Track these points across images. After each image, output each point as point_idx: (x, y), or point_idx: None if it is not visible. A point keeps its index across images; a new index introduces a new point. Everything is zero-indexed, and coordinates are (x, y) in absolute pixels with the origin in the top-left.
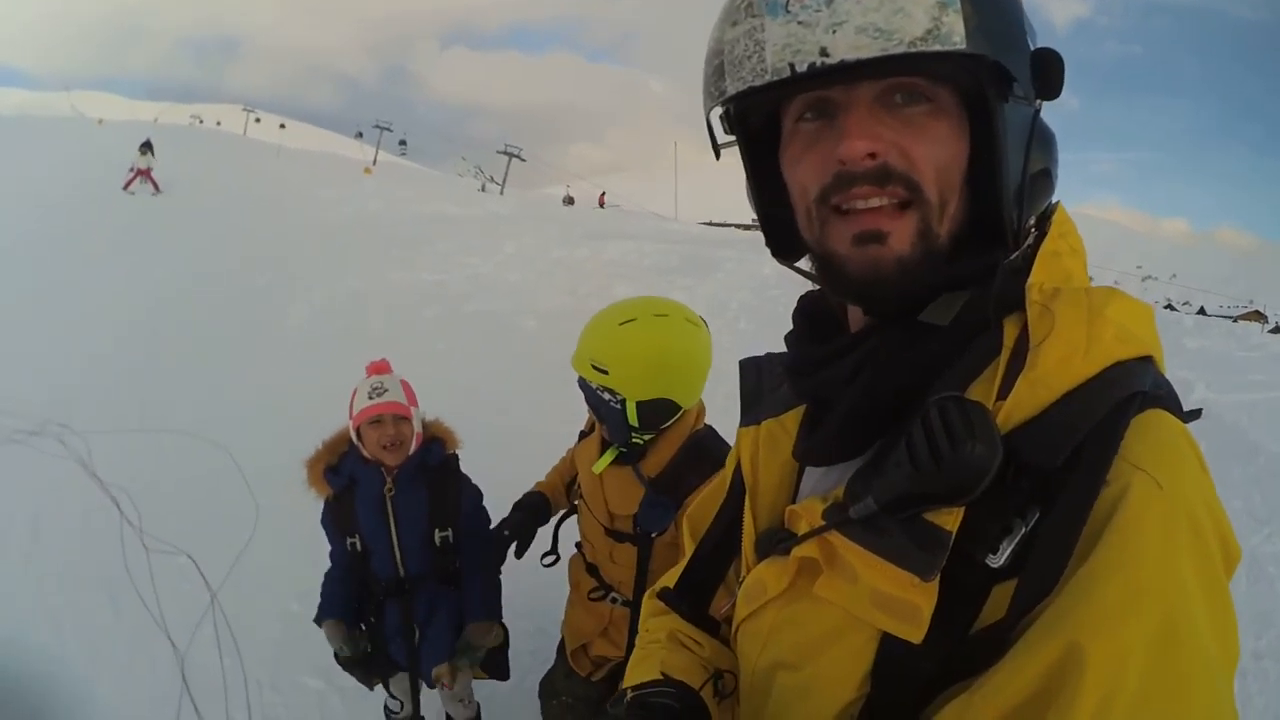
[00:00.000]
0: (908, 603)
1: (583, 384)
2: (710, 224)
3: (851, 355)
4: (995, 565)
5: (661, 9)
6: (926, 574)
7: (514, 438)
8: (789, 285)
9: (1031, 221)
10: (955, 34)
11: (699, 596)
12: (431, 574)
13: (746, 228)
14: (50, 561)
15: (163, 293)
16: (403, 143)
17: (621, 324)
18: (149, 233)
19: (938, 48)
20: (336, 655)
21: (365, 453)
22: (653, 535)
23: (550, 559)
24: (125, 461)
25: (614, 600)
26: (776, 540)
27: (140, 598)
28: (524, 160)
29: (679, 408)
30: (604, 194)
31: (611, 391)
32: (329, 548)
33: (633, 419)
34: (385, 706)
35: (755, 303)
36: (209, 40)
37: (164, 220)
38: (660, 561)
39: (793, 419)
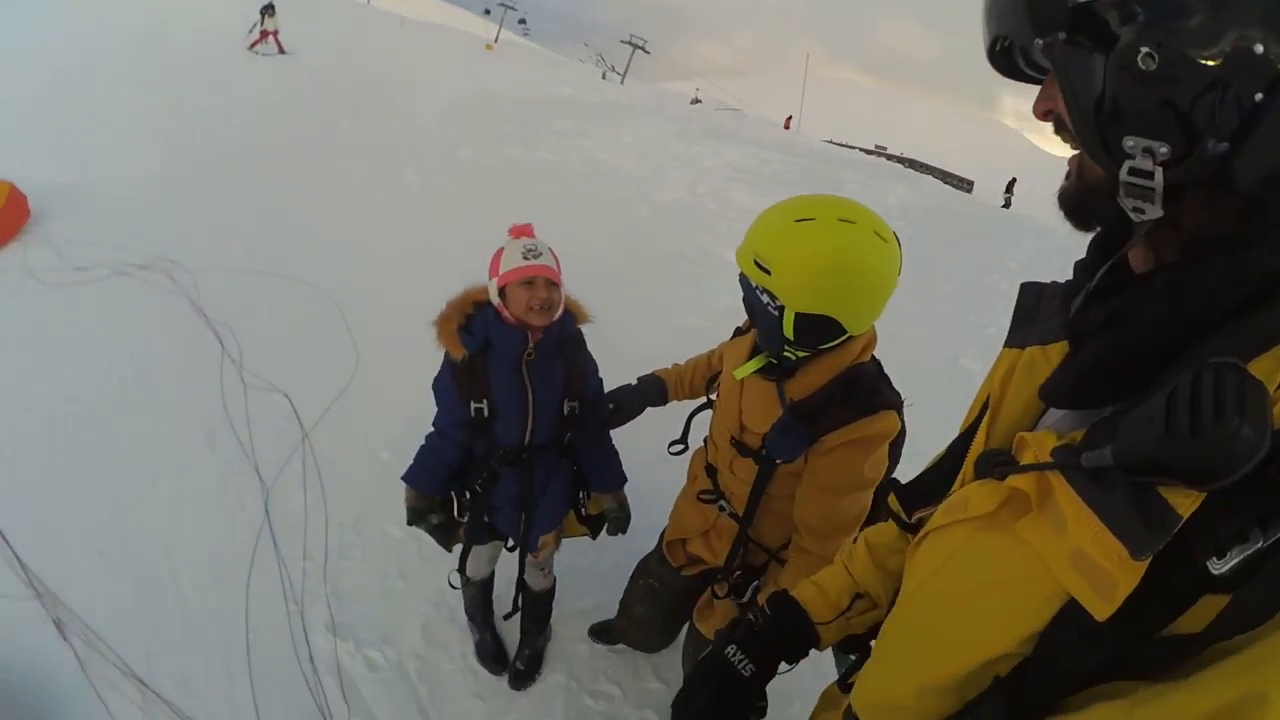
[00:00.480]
0: (1107, 574)
1: (743, 280)
2: (834, 143)
3: (1114, 298)
4: (1216, 572)
5: None
6: (1138, 551)
7: (616, 326)
8: (913, 216)
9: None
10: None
11: (918, 499)
12: (553, 444)
13: (869, 152)
14: (148, 393)
15: (281, 149)
16: (522, 21)
17: (798, 221)
18: (272, 91)
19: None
20: (408, 520)
21: (508, 315)
22: (778, 462)
23: (678, 448)
24: (231, 301)
25: (722, 509)
26: (996, 462)
27: (234, 431)
28: (647, 53)
29: (843, 331)
30: (791, 117)
31: (771, 295)
32: (431, 410)
33: (788, 331)
34: (459, 571)
35: None
36: None
37: (287, 80)
38: (780, 486)
39: (1058, 351)
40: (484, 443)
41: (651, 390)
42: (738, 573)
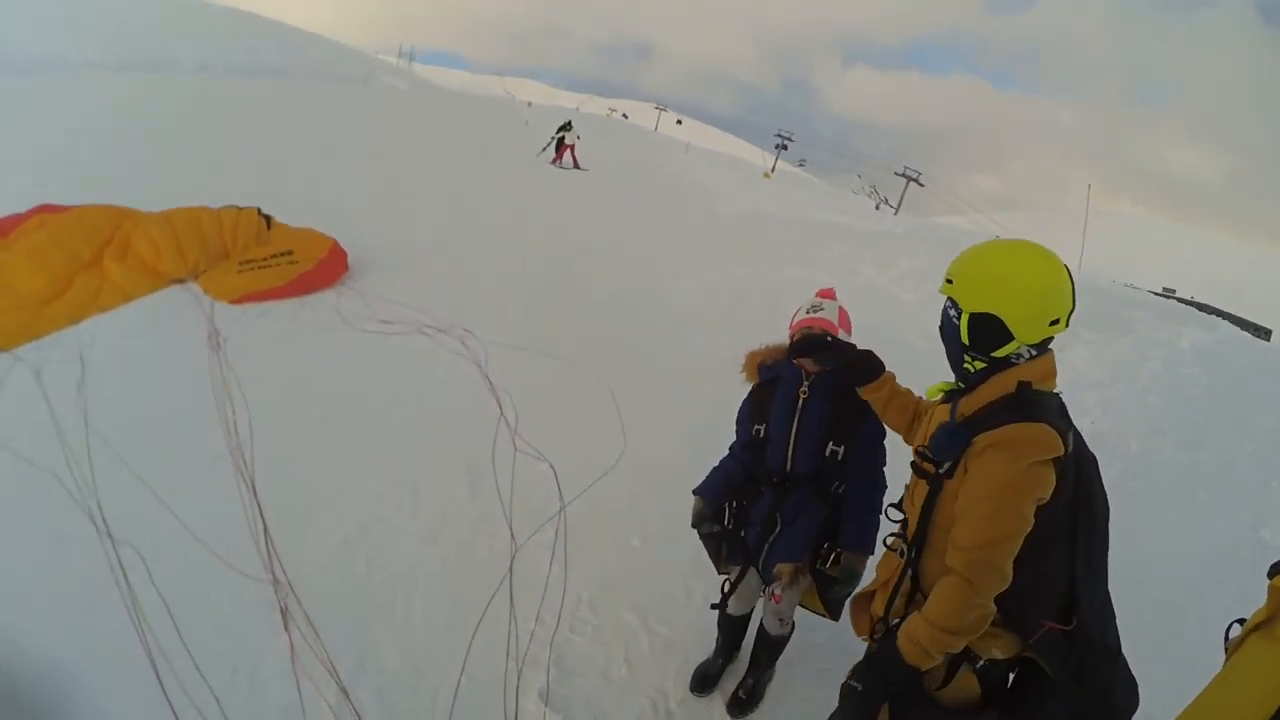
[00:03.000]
0: None
1: (942, 313)
2: (1131, 286)
3: None
4: None
5: (1065, 22)
6: None
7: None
8: (1210, 363)
9: None
10: None
11: None
12: (811, 480)
13: (1158, 294)
14: (426, 436)
15: (574, 250)
16: (783, 147)
17: (979, 244)
18: (568, 200)
19: None
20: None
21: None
22: (940, 471)
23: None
24: (513, 373)
25: (902, 554)
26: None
27: (497, 488)
28: (922, 185)
29: (1010, 335)
30: None
31: (953, 304)
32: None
33: (964, 335)
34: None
35: (1168, 378)
36: (623, 43)
37: (583, 192)
38: (944, 514)
39: None
40: (758, 463)
41: (873, 360)
42: (896, 622)
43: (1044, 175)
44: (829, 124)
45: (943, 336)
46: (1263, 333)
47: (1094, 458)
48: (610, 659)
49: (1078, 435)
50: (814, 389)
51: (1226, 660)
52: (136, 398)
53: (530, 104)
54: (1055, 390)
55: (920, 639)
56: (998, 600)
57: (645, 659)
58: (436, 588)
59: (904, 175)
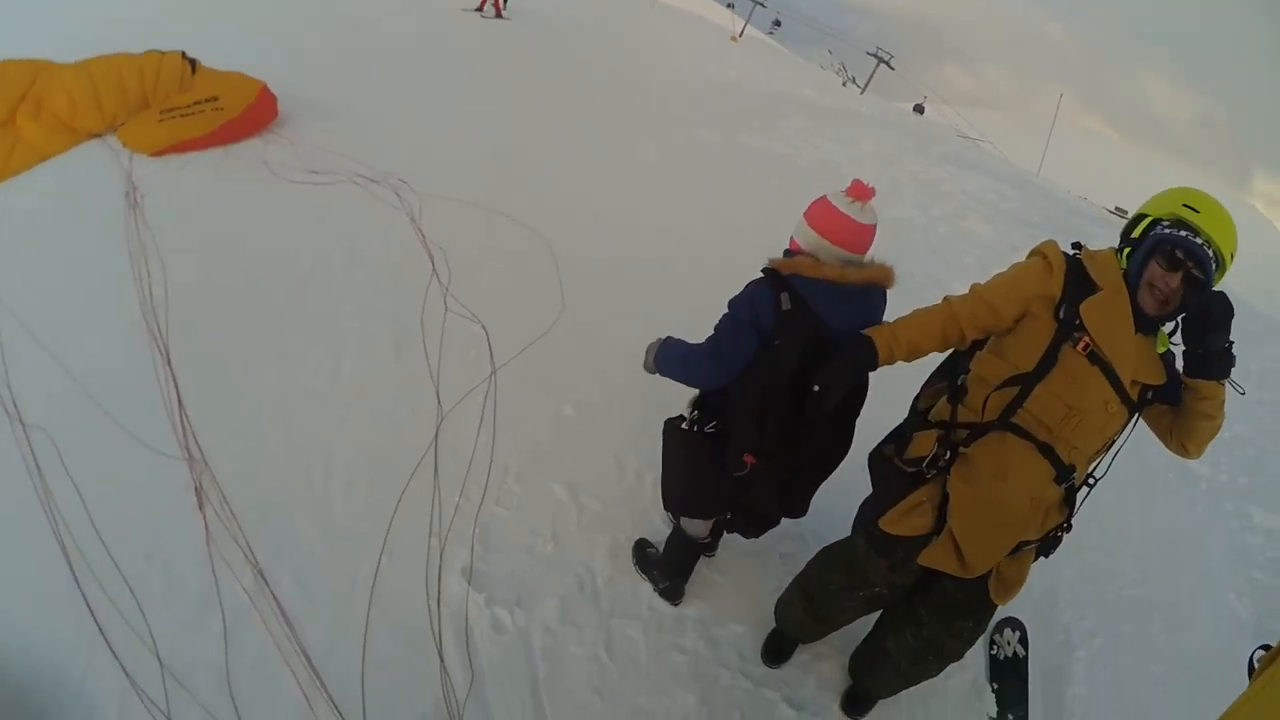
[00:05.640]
0: None
1: (1175, 237)
2: (1086, 200)
3: None
4: None
5: None
6: None
7: None
8: None
9: None
10: None
11: None
12: None
13: (1111, 212)
14: (352, 292)
15: (525, 107)
16: (778, 23)
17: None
18: (519, 55)
19: None
20: None
21: None
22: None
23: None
24: (450, 229)
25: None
26: None
27: (425, 349)
28: (892, 69)
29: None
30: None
31: (1199, 235)
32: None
33: (1227, 267)
34: None
35: None
36: None
37: (533, 41)
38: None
39: None
40: None
41: (866, 358)
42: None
43: (1018, 82)
44: None
45: (1187, 260)
46: None
47: None
48: (536, 534)
49: None
50: None
51: (1253, 682)
52: (49, 265)
53: None
54: None
55: None
56: None
57: (573, 534)
58: (357, 458)
59: (875, 55)
